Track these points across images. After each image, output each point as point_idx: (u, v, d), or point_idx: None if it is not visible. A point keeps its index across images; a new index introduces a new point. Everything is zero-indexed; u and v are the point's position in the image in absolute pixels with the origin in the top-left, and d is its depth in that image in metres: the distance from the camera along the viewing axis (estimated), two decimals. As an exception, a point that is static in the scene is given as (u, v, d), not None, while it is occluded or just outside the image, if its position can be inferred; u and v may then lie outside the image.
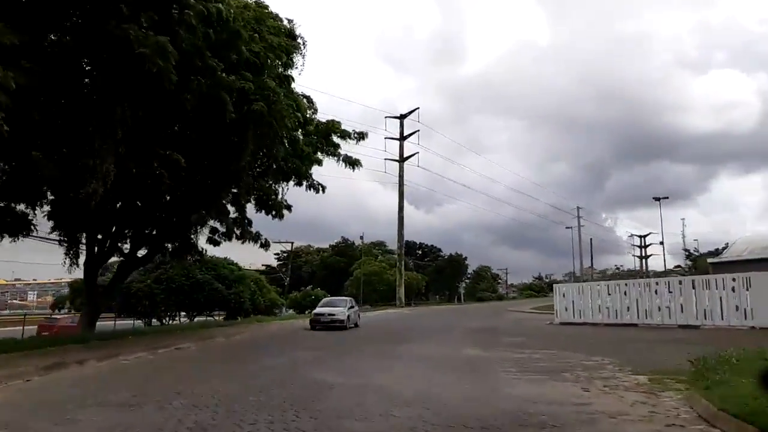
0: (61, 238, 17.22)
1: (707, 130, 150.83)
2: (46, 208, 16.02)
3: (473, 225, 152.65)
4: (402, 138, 52.72)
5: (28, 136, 10.36)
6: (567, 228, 75.97)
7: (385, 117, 53.44)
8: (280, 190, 20.72)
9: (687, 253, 73.95)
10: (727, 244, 49.43)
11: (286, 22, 16.45)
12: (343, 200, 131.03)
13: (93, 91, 10.38)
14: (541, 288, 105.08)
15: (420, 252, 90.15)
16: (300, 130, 19.61)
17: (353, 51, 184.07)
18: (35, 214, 15.19)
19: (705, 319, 19.45)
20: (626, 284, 23.41)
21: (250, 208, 21.10)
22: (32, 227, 14.19)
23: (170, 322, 31.96)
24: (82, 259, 18.20)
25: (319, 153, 20.88)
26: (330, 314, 21.85)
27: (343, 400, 6.78)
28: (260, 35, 13.91)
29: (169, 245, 21.05)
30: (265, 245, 22.12)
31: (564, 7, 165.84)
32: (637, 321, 21.34)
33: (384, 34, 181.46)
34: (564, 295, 24.85)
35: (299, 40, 17.10)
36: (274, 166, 19.31)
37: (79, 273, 18.85)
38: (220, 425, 5.44)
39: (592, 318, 23.07)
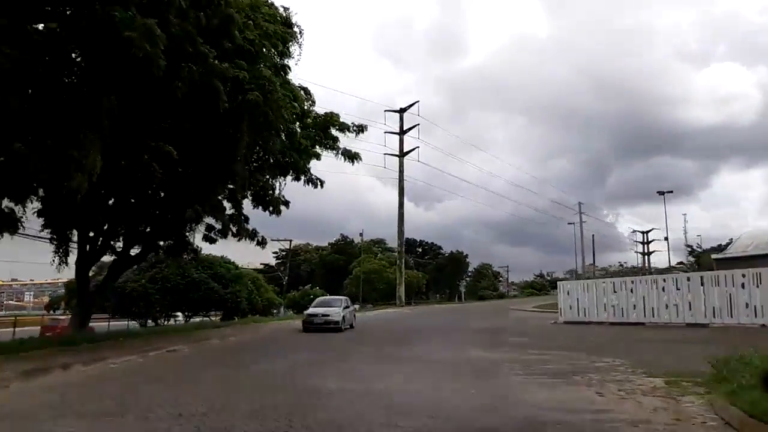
0: (52, 236, 16.70)
1: (708, 124, 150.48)
2: (37, 204, 15.56)
3: (473, 222, 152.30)
4: (402, 132, 52.17)
5: (10, 127, 9.83)
6: (569, 224, 75.44)
7: (385, 111, 53.00)
8: (278, 185, 20.21)
9: (690, 249, 73.64)
10: (731, 239, 48.97)
11: (281, 10, 15.91)
12: (342, 197, 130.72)
13: (78, 79, 9.81)
14: (542, 286, 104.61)
15: (420, 250, 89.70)
16: (297, 123, 19.10)
17: (350, 45, 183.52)
18: (25, 211, 14.68)
19: (714, 317, 18.96)
20: (632, 281, 22.89)
21: (247, 205, 20.63)
22: (19, 225, 13.63)
23: (166, 322, 31.48)
24: (73, 258, 17.71)
25: (317, 146, 20.36)
26: (324, 315, 20.59)
27: (343, 408, 6.27)
28: (255, 22, 13.39)
29: (163, 243, 20.56)
30: (262, 243, 21.60)
31: (563, 1, 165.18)
32: (644, 319, 20.86)
33: (382, 28, 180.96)
34: (568, 293, 24.36)
35: (295, 29, 16.58)
36: (271, 160, 18.80)
37: (70, 272, 18.39)
38: (205, 439, 4.93)
39: (597, 317, 22.59)
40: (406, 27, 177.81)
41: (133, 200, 17.89)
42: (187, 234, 20.74)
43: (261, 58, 13.80)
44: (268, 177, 19.90)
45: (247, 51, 13.30)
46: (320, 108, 20.95)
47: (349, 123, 21.64)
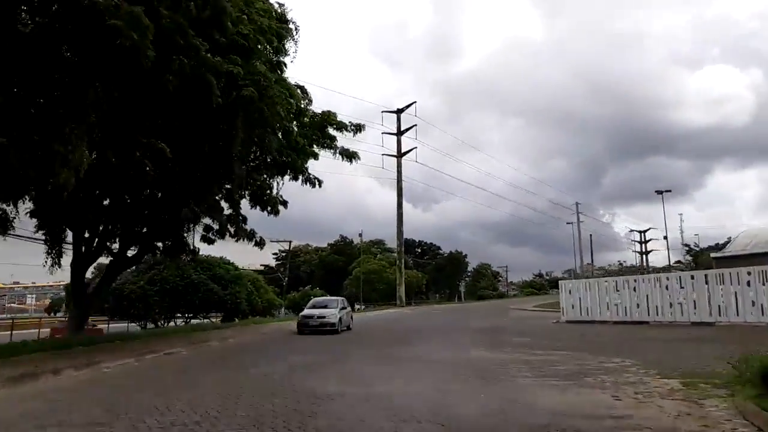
0: (45, 237, 16.33)
1: (702, 125, 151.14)
2: (30, 205, 15.20)
3: (471, 223, 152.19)
4: (399, 133, 51.83)
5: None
6: (568, 224, 75.24)
7: (382, 111, 52.59)
8: (275, 184, 19.86)
9: (687, 249, 73.42)
10: (729, 238, 48.81)
11: (276, 6, 15.58)
12: (341, 199, 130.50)
13: (63, 70, 9.43)
14: (541, 285, 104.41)
15: (419, 250, 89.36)
16: (294, 122, 18.78)
17: (347, 48, 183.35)
18: (17, 211, 14.31)
19: (719, 315, 18.65)
20: (635, 280, 22.59)
21: (245, 205, 20.30)
22: (10, 225, 13.25)
23: (165, 324, 31.10)
24: (68, 260, 17.35)
25: (314, 146, 20.03)
26: (320, 316, 19.60)
27: (343, 414, 5.93)
28: (249, 17, 13.03)
29: (161, 244, 20.20)
30: (260, 243, 21.23)
31: (558, 4, 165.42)
32: (648, 318, 20.55)
33: (378, 31, 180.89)
34: (570, 292, 24.03)
35: (291, 25, 16.27)
36: (269, 159, 18.46)
37: (65, 274, 18.05)
38: (198, 450, 4.60)
39: (600, 316, 22.29)
40: (403, 30, 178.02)
41: (128, 200, 17.54)
42: (185, 235, 20.38)
43: (256, 54, 13.45)
44: (265, 176, 19.57)
45: (241, 46, 12.96)
46: (317, 109, 20.67)
47: (347, 122, 21.35)
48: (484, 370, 9.36)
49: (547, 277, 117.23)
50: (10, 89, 9.37)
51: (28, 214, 15.78)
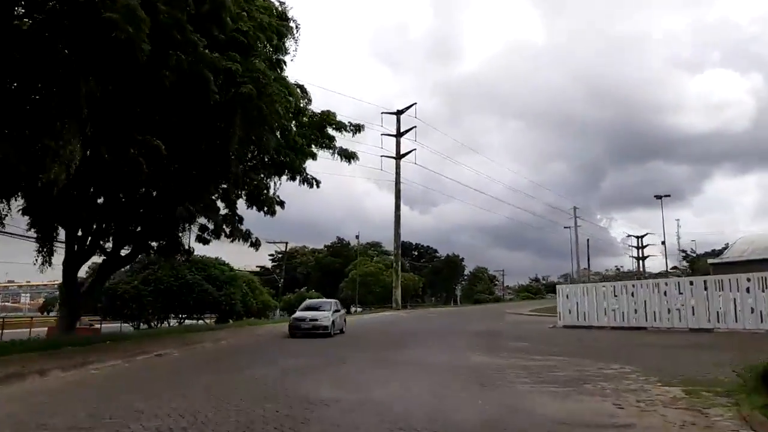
0: (37, 235, 16.07)
1: (702, 130, 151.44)
2: (22, 202, 14.95)
3: (468, 226, 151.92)
4: (399, 134, 51.67)
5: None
6: (565, 228, 75.29)
7: (382, 113, 52.35)
8: (272, 184, 19.62)
9: (684, 254, 73.48)
10: (727, 244, 48.84)
11: (277, 4, 15.39)
12: (339, 200, 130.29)
13: (56, 63, 9.20)
14: (537, 290, 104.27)
15: (416, 253, 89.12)
16: (293, 121, 18.58)
17: (348, 50, 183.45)
18: (10, 208, 14.06)
19: (718, 322, 18.53)
20: (633, 285, 22.46)
21: (241, 205, 20.07)
22: (0, 223, 13.00)
23: (159, 325, 30.83)
24: (59, 258, 17.10)
25: (313, 146, 19.82)
26: (312, 319, 18.95)
27: (338, 420, 5.73)
28: (249, 14, 12.83)
29: (155, 243, 19.96)
30: (256, 244, 21.00)
31: (559, 7, 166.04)
32: (646, 324, 20.40)
33: (379, 32, 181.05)
34: (567, 297, 23.84)
35: (292, 24, 16.08)
36: (266, 159, 18.25)
37: (56, 273, 17.78)
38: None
39: (597, 321, 22.12)
40: (403, 32, 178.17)
41: (122, 198, 17.31)
42: (180, 234, 20.14)
43: (255, 51, 13.26)
44: (262, 176, 19.35)
45: (240, 43, 12.77)
46: (316, 109, 20.48)
47: (346, 122, 21.17)
48: (481, 375, 9.18)
49: (544, 282, 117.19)
50: (1, 83, 9.16)
51: (20, 212, 15.54)
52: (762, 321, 17.52)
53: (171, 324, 31.07)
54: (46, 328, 24.29)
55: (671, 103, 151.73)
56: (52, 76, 9.21)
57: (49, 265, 16.16)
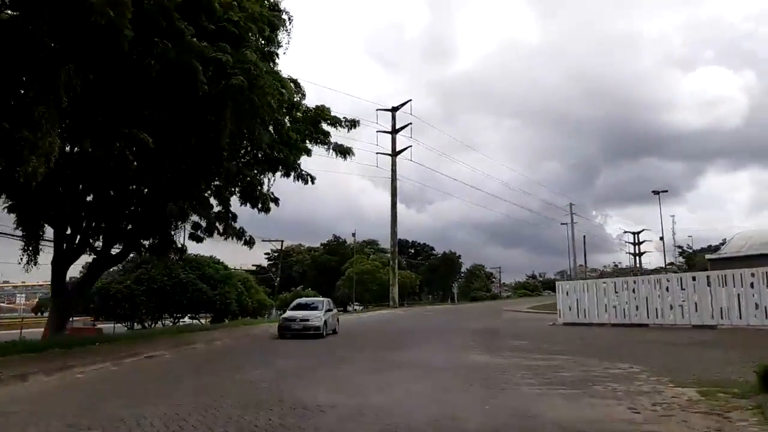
0: (22, 233, 15.55)
1: (695, 127, 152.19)
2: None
3: (464, 223, 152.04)
4: (394, 131, 51.22)
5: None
6: (562, 224, 74.98)
7: (377, 110, 51.99)
8: (266, 180, 19.16)
9: (680, 250, 73.47)
10: (724, 239, 48.71)
11: (268, -5, 14.91)
12: (334, 199, 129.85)
13: (33, 49, 8.69)
14: (534, 287, 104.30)
15: (412, 251, 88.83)
16: (287, 117, 18.13)
17: (343, 49, 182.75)
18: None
19: (721, 318, 18.21)
20: (634, 281, 22.11)
21: (235, 202, 19.61)
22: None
23: (153, 325, 30.30)
24: (45, 258, 16.60)
25: (307, 141, 19.38)
26: (303, 319, 17.96)
27: (334, 429, 5.32)
28: (239, 4, 12.35)
29: (147, 242, 19.47)
30: (250, 242, 20.53)
31: (553, 6, 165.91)
32: (648, 321, 20.08)
33: (373, 32, 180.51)
34: (567, 294, 23.53)
35: (284, 16, 15.61)
36: (260, 155, 17.78)
37: (47, 274, 17.26)
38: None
39: (598, 318, 21.80)
40: (398, 31, 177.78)
41: (112, 195, 16.80)
42: (173, 232, 19.67)
43: (246, 42, 12.78)
44: (256, 172, 18.87)
45: (230, 33, 12.28)
46: (311, 106, 20.00)
47: (341, 117, 20.73)
48: (485, 376, 8.78)
49: (540, 279, 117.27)
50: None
51: (5, 209, 15.04)
52: (766, 317, 17.21)
53: (165, 324, 30.53)
54: (42, 329, 23.75)
55: (665, 100, 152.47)
56: (30, 64, 8.71)
57: (35, 264, 15.65)
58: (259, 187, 18.98)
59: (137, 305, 28.61)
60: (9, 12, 9.73)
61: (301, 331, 17.61)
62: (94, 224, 17.63)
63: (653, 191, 54.20)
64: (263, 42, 15.33)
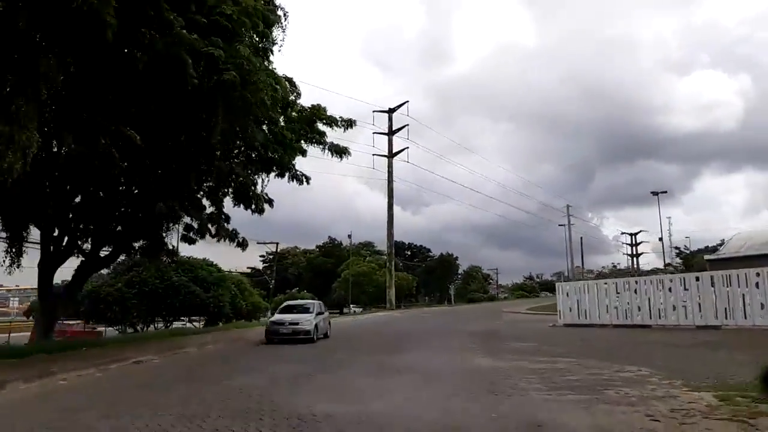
0: (6, 234, 15.03)
1: (691, 130, 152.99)
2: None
3: (461, 225, 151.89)
4: (391, 132, 50.86)
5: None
6: (560, 225, 74.83)
7: (374, 111, 51.55)
8: (260, 181, 18.68)
9: (678, 251, 73.40)
10: (723, 240, 48.65)
11: (263, -11, 14.46)
12: (330, 201, 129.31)
13: (9, 37, 8.21)
14: (532, 288, 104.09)
15: (409, 253, 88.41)
16: (281, 116, 17.68)
17: (339, 51, 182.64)
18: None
19: (726, 318, 17.87)
20: (636, 282, 21.80)
21: (228, 204, 19.13)
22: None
23: (145, 329, 29.71)
24: (29, 260, 16.07)
25: (303, 141, 18.93)
26: (292, 323, 16.95)
27: (331, 442, 4.88)
28: (233, -1, 11.90)
29: (137, 244, 18.96)
30: (243, 244, 20.04)
31: (549, 10, 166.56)
32: (650, 322, 19.73)
33: (370, 34, 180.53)
34: (568, 295, 23.17)
35: (280, 12, 15.17)
36: (253, 155, 17.32)
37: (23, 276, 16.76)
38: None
39: (599, 319, 21.44)
40: (395, 34, 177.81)
41: (101, 195, 16.30)
42: (164, 234, 19.17)
43: (239, 37, 12.32)
44: (249, 172, 18.40)
45: (223, 27, 11.83)
46: (306, 106, 19.56)
47: (337, 117, 20.28)
48: (489, 381, 8.35)
49: (538, 280, 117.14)
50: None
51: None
52: (772, 317, 16.88)
53: (157, 327, 29.95)
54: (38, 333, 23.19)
55: (661, 103, 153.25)
56: (7, 54, 8.23)
57: (18, 267, 15.11)
58: (252, 188, 18.51)
59: (128, 308, 28.00)
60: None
61: (290, 335, 16.68)
62: (82, 225, 17.12)
63: (652, 192, 54.22)
64: (257, 38, 14.89)
